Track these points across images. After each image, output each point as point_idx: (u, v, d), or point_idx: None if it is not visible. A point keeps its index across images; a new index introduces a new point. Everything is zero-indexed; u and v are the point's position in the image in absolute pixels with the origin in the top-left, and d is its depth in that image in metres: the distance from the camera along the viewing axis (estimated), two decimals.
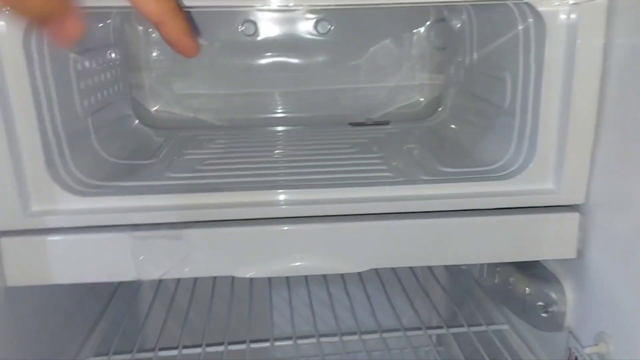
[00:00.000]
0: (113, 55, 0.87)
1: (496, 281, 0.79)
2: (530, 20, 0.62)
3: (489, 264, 0.82)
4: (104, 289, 1.02)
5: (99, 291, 0.99)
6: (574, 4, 0.57)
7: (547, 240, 0.65)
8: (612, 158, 0.60)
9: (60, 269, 0.60)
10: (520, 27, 0.64)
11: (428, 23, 1.01)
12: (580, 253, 0.65)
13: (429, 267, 1.10)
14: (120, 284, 1.06)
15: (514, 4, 0.62)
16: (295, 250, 0.63)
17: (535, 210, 0.64)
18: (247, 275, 0.63)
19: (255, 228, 0.62)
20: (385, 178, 0.69)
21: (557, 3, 0.58)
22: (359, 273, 1.05)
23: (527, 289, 0.72)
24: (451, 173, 0.70)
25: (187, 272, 0.62)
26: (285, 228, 0.62)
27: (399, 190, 0.64)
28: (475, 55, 0.84)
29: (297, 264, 0.64)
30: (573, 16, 0.58)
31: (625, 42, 0.56)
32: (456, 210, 0.64)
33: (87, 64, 0.75)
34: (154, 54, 0.99)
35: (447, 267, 1.11)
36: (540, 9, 0.58)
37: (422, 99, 1.04)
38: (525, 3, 0.59)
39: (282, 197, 0.63)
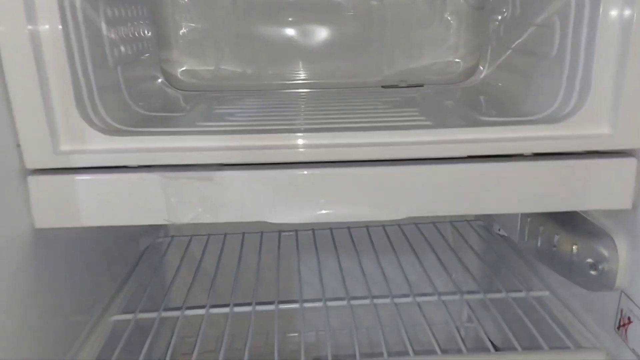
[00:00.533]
0: (141, 11, 0.86)
1: (539, 243, 0.75)
2: None
3: (530, 225, 0.77)
4: (131, 253, 1.01)
5: (126, 255, 0.98)
6: None
7: (601, 189, 0.60)
8: None
9: (89, 210, 0.58)
10: None
11: None
12: (636, 205, 0.60)
13: (461, 234, 1.06)
14: (146, 248, 1.05)
15: None
16: (329, 195, 0.60)
17: (588, 156, 0.60)
18: (280, 221, 0.61)
19: (287, 172, 0.60)
20: (422, 125, 0.66)
21: None
22: (389, 240, 1.03)
23: (574, 247, 0.67)
24: (491, 122, 0.67)
25: (218, 217, 0.59)
26: (319, 171, 0.60)
27: (438, 134, 0.61)
28: (517, 7, 0.80)
29: (332, 211, 0.61)
30: None
31: None
32: (501, 155, 0.61)
33: (116, 12, 0.73)
34: (183, 16, 0.97)
35: (479, 233, 1.07)
36: None
37: (458, 60, 1.00)
38: None
39: (315, 140, 0.60)
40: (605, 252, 0.64)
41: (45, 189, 0.58)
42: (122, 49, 0.75)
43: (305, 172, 0.60)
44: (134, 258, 1.01)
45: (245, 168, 0.59)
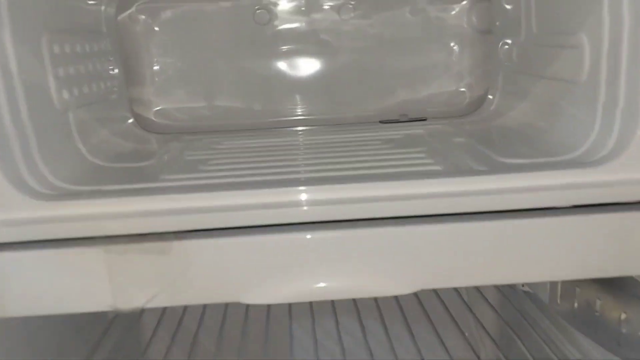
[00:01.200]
0: (104, 45, 0.75)
1: (576, 306, 0.62)
2: None
3: (564, 284, 0.65)
4: (102, 313, 0.88)
5: (98, 315, 0.85)
6: None
7: None
8: None
9: (14, 297, 0.46)
10: None
11: (466, 2, 0.87)
12: None
13: (478, 288, 0.94)
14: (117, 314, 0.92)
15: None
16: (319, 266, 0.48)
17: (635, 207, 0.48)
18: (258, 302, 0.49)
19: (268, 237, 0.48)
20: (433, 172, 0.55)
21: None
22: (396, 298, 0.90)
23: (622, 314, 0.55)
24: (515, 165, 0.55)
25: (179, 299, 0.47)
26: (308, 236, 0.48)
27: (451, 184, 0.49)
28: (533, 27, 0.70)
29: (322, 286, 0.49)
30: None
31: None
32: (527, 210, 0.49)
33: (67, 47, 0.63)
34: (156, 51, 0.86)
35: (498, 287, 0.94)
36: None
37: (463, 89, 0.89)
38: None
39: (301, 196, 0.49)
40: None
41: None
42: (76, 90, 0.64)
43: (291, 237, 0.48)
44: (107, 317, 0.89)
45: (216, 235, 0.48)
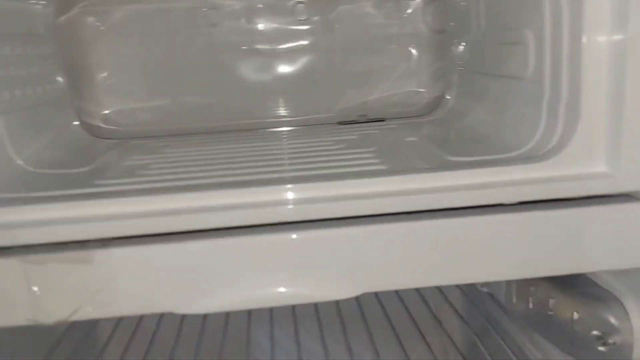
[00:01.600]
0: (43, 47, 0.72)
1: (530, 306, 0.61)
2: None
3: (518, 284, 0.64)
4: (50, 328, 0.84)
5: (44, 332, 0.82)
6: None
7: (602, 244, 0.47)
8: None
9: None
10: None
11: (420, 2, 0.86)
12: None
13: (442, 291, 0.92)
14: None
15: None
16: (257, 270, 0.46)
17: (582, 203, 0.47)
18: (193, 312, 0.46)
19: (201, 243, 0.45)
20: (378, 171, 0.53)
21: None
22: (357, 301, 0.88)
23: (574, 313, 0.54)
24: (462, 162, 0.54)
25: (105, 310, 0.44)
26: (243, 239, 0.45)
27: (395, 182, 0.47)
28: (483, 25, 0.69)
29: (263, 292, 0.46)
30: None
31: None
32: (472, 207, 0.47)
33: None
34: (103, 52, 0.83)
35: (463, 290, 0.93)
36: None
37: (421, 89, 0.88)
38: None
39: (236, 199, 0.46)
40: (614, 321, 0.50)
41: None
42: (7, 94, 0.61)
43: (226, 242, 0.46)
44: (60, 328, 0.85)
45: (142, 242, 0.45)
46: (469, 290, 0.91)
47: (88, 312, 0.44)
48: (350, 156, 0.60)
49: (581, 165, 0.47)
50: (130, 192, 0.50)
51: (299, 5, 0.84)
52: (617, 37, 0.44)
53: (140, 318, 0.88)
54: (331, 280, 0.46)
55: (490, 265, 0.48)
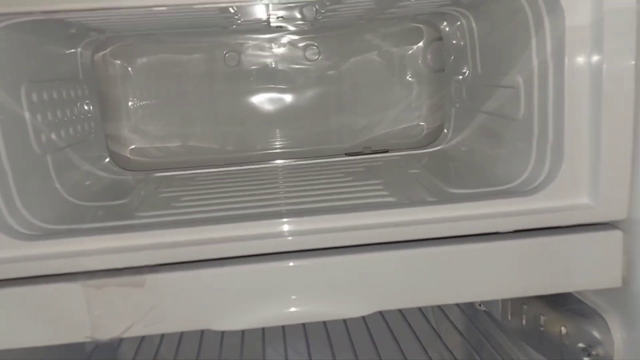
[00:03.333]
0: (82, 90, 0.80)
1: (524, 322, 0.67)
2: (542, 4, 0.54)
3: (513, 302, 0.70)
4: (80, 346, 0.90)
5: (76, 349, 0.87)
6: None
7: (585, 267, 0.54)
8: None
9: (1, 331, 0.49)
10: (529, 17, 0.56)
11: (422, 44, 0.94)
12: (626, 280, 0.54)
13: (442, 309, 0.98)
14: (96, 347, 0.94)
15: None
16: (282, 293, 0.53)
17: (568, 231, 0.54)
18: (226, 328, 0.52)
19: (233, 268, 0.52)
20: (386, 203, 0.60)
21: None
22: (364, 319, 0.94)
23: (562, 328, 0.60)
24: (462, 194, 0.61)
25: (154, 328, 0.51)
26: (270, 266, 0.52)
27: (401, 214, 0.54)
28: (478, 67, 0.76)
29: (285, 311, 0.53)
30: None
31: None
32: (472, 235, 0.54)
33: (45, 95, 0.67)
34: (131, 92, 0.91)
35: (462, 308, 0.99)
36: None
37: (422, 123, 0.95)
38: None
39: (263, 229, 0.53)
40: (598, 335, 0.57)
41: None
42: (54, 134, 0.68)
43: (255, 267, 0.52)
44: (86, 351, 0.91)
45: (186, 267, 0.52)
46: (467, 309, 0.97)
47: (139, 330, 0.51)
48: (363, 188, 0.67)
49: (566, 198, 0.54)
50: (169, 223, 0.57)
51: (312, 47, 0.92)
52: (595, 94, 0.52)
53: (160, 342, 0.93)
54: (347, 301, 0.53)
55: (487, 286, 0.55)
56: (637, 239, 0.53)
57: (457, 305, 0.97)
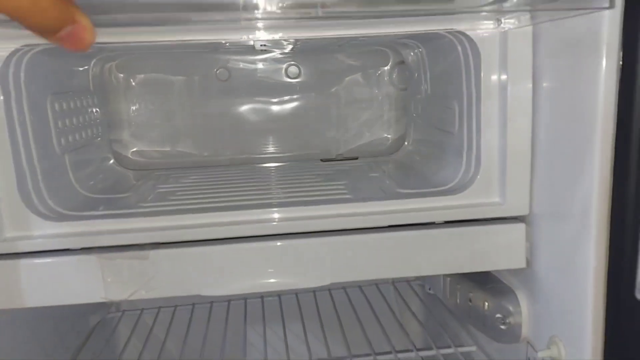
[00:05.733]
0: (92, 100, 0.93)
1: (458, 300, 0.81)
2: (467, 47, 0.69)
3: (450, 284, 0.84)
4: (84, 325, 1.03)
5: (80, 328, 1.00)
6: (503, 30, 0.64)
7: (498, 251, 0.68)
8: (549, 171, 0.64)
9: (32, 291, 0.63)
10: (460, 56, 0.71)
11: (388, 66, 1.08)
12: (529, 262, 0.68)
13: (405, 301, 1.12)
14: (97, 324, 1.07)
15: (450, 33, 0.68)
16: (257, 268, 0.66)
17: (484, 222, 0.69)
18: (213, 294, 0.66)
19: (219, 247, 0.66)
20: (343, 199, 0.74)
21: (488, 30, 0.64)
22: (335, 308, 1.08)
23: (486, 303, 0.74)
24: (407, 193, 0.75)
25: (154, 293, 0.64)
26: (250, 246, 0.66)
27: (354, 207, 0.68)
28: (429, 89, 0.91)
29: (260, 281, 0.66)
30: (504, 41, 0.64)
31: (551, 63, 0.62)
32: (411, 225, 0.68)
33: (64, 105, 0.80)
34: (133, 101, 1.04)
35: (421, 297, 1.13)
36: (472, 35, 0.65)
37: (389, 136, 1.10)
38: (459, 31, 0.66)
39: (243, 217, 0.67)
40: (510, 307, 0.71)
41: None
42: (70, 137, 0.81)
43: (236, 247, 0.66)
44: (85, 334, 1.03)
45: (180, 245, 0.65)
46: (422, 293, 1.11)
47: (142, 294, 0.64)
48: (326, 187, 0.81)
49: (482, 197, 0.68)
50: (165, 211, 0.70)
51: (292, 67, 1.07)
52: (502, 114, 0.66)
53: (152, 327, 1.06)
54: (310, 274, 0.67)
55: (424, 264, 0.69)
56: (536, 230, 0.67)
57: (414, 291, 1.11)
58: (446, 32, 0.67)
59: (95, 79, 0.95)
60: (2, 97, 0.62)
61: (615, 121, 0.53)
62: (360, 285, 1.15)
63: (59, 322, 0.92)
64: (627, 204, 0.53)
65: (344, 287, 1.15)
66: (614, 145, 0.53)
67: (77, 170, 0.81)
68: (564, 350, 0.62)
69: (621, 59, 0.52)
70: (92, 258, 0.63)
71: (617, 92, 0.53)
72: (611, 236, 0.55)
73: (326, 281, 0.67)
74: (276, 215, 0.67)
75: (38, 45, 0.63)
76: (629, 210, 0.53)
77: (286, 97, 1.08)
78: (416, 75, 0.98)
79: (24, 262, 0.62)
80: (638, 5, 0.50)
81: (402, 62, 1.06)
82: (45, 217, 0.65)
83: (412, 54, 0.97)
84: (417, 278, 1.18)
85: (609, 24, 0.51)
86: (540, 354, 0.64)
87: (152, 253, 0.64)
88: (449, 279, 0.85)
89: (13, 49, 0.61)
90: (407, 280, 1.18)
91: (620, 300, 0.55)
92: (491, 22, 0.64)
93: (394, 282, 1.18)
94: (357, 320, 1.00)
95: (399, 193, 0.76)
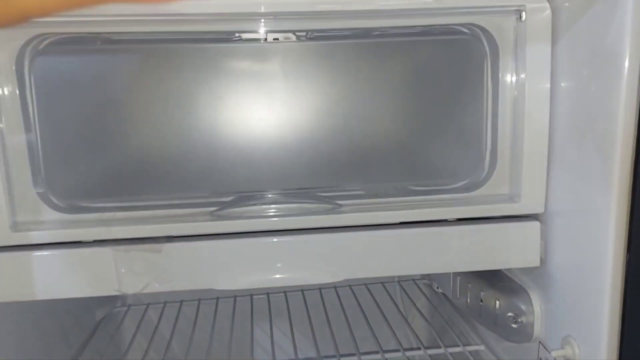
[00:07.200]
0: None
1: (468, 299, 0.81)
2: (485, 43, 0.68)
3: (460, 282, 0.84)
4: (88, 323, 1.02)
5: (84, 323, 1.00)
6: (522, 20, 0.63)
7: (512, 249, 0.68)
8: (566, 169, 0.64)
9: (44, 284, 0.62)
10: (479, 52, 0.70)
11: None
12: (543, 261, 0.68)
13: (410, 298, 1.12)
14: (103, 318, 1.06)
15: (469, 29, 0.68)
16: (270, 263, 0.66)
17: (499, 220, 0.68)
18: (224, 287, 0.65)
19: (230, 242, 0.65)
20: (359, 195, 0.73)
21: (506, 22, 0.64)
22: (342, 305, 1.08)
23: (497, 302, 0.74)
24: (420, 190, 0.74)
25: (167, 286, 0.64)
26: (259, 241, 0.66)
27: (374, 203, 0.68)
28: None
29: (273, 277, 0.66)
30: (521, 33, 0.64)
31: (570, 62, 0.62)
32: (426, 222, 0.68)
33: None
34: None
35: (423, 291, 1.13)
36: (492, 30, 0.65)
37: None
38: (478, 26, 0.65)
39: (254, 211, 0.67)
40: (523, 306, 0.71)
41: (2, 265, 0.61)
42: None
43: (249, 241, 0.66)
44: (90, 328, 1.03)
45: (192, 239, 0.65)
46: (429, 292, 1.11)
47: (155, 287, 0.64)
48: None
49: (497, 194, 0.68)
50: (177, 205, 0.70)
51: None
52: (520, 114, 0.66)
53: (157, 323, 1.06)
54: (322, 270, 0.67)
55: (436, 262, 0.69)
56: (551, 229, 0.67)
57: (420, 290, 1.11)
58: (465, 26, 0.67)
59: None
60: (17, 89, 0.61)
61: (637, 120, 0.53)
62: (366, 283, 1.14)
63: (64, 315, 0.91)
64: None
65: (349, 284, 1.15)
66: (635, 144, 0.53)
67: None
68: (579, 350, 0.62)
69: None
70: (106, 250, 0.63)
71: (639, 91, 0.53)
72: (630, 235, 0.55)
73: (339, 277, 0.66)
74: (288, 209, 0.67)
75: (52, 34, 0.62)
76: None
77: None
78: None
79: (37, 254, 0.62)
80: None
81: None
82: (58, 208, 0.64)
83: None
84: (424, 276, 1.18)
85: (632, 25, 0.51)
86: (554, 353, 0.64)
87: (167, 246, 0.63)
88: (459, 277, 0.84)
89: (28, 39, 0.60)
90: (413, 279, 1.17)
91: (638, 300, 0.55)
92: (513, 16, 0.64)
93: (400, 280, 1.18)
94: (364, 318, 1.00)
95: (412, 190, 0.75)
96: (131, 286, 0.63)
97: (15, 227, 0.62)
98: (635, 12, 0.51)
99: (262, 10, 0.60)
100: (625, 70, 0.52)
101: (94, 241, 0.63)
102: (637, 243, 0.54)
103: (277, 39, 0.89)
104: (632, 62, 0.52)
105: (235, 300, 1.11)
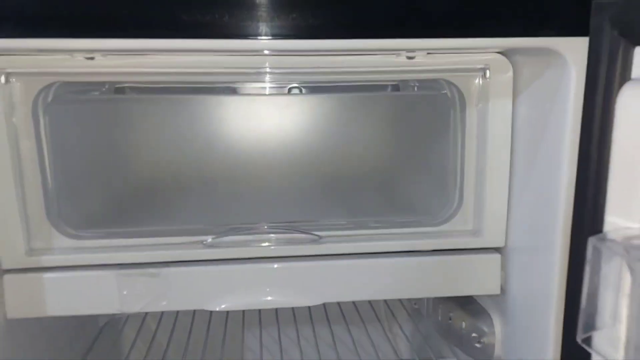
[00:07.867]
0: None
1: (440, 317, 0.89)
2: (455, 94, 0.75)
3: (433, 302, 0.92)
4: (92, 328, 1.10)
5: (88, 330, 1.07)
6: (485, 79, 0.71)
7: (475, 278, 0.76)
8: (522, 209, 0.71)
9: (54, 302, 0.70)
10: (447, 102, 0.78)
11: None
12: (503, 289, 0.75)
13: (394, 316, 1.19)
14: (105, 324, 1.14)
15: (439, 82, 0.75)
16: (258, 286, 0.73)
17: (464, 252, 0.76)
18: (216, 309, 0.73)
19: (223, 267, 0.73)
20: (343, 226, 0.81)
21: (472, 79, 0.72)
22: (329, 322, 1.15)
23: (463, 322, 0.82)
24: (397, 222, 0.82)
25: (163, 306, 0.72)
26: (247, 267, 0.73)
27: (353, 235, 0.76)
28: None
29: (259, 300, 0.74)
30: (485, 89, 0.71)
31: (527, 111, 0.69)
32: (398, 252, 0.75)
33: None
34: None
35: (408, 311, 1.20)
36: (460, 85, 0.72)
37: None
38: (447, 81, 0.73)
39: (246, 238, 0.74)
40: (485, 328, 0.78)
41: (17, 285, 0.69)
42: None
43: (239, 267, 0.73)
44: (93, 333, 1.10)
45: (186, 264, 0.73)
46: (409, 308, 1.18)
47: (153, 307, 0.71)
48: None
49: (462, 229, 0.76)
50: (177, 231, 0.78)
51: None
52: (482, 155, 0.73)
53: (155, 332, 1.13)
54: (304, 295, 0.74)
55: (415, 287, 0.76)
56: (510, 261, 0.74)
57: (404, 308, 1.19)
58: (436, 81, 0.74)
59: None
60: (33, 128, 0.68)
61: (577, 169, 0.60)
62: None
63: (70, 319, 0.99)
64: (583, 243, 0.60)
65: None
66: (575, 188, 0.60)
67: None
68: None
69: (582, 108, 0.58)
70: (110, 274, 0.70)
71: (580, 142, 0.59)
72: (569, 271, 0.62)
73: (318, 301, 0.74)
74: (275, 239, 0.74)
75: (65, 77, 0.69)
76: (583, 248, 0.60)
77: None
78: None
79: (48, 276, 0.70)
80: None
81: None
82: (69, 235, 0.72)
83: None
84: None
85: (576, 79, 0.58)
86: None
87: (164, 271, 0.71)
88: (432, 297, 0.92)
89: (43, 86, 0.68)
90: None
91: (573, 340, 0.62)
92: (479, 74, 0.71)
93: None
94: (347, 330, 1.07)
95: (388, 223, 0.82)
96: (131, 306, 0.71)
97: (30, 252, 0.69)
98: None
99: (267, 69, 0.67)
100: (570, 121, 0.59)
101: (99, 265, 0.71)
102: (575, 279, 0.61)
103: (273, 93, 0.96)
104: (575, 114, 0.58)
105: (227, 313, 1.18)
